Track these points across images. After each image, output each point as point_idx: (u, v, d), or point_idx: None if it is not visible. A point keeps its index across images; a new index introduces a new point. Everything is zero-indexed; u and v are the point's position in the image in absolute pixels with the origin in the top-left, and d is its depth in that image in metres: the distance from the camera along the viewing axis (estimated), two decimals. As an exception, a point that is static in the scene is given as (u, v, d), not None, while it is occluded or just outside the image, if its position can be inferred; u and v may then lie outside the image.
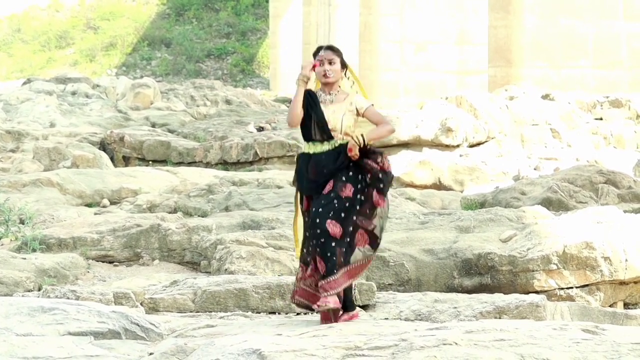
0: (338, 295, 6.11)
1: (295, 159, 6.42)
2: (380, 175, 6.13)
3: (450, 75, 26.93)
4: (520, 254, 9.15)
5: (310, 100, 6.23)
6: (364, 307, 7.82)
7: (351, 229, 6.09)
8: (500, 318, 7.35)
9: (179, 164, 18.76)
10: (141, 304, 8.07)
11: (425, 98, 22.46)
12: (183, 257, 10.90)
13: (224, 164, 18.74)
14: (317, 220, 6.02)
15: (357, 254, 6.12)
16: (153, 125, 22.67)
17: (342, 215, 6.05)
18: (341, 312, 6.27)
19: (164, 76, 39.01)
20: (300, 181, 6.23)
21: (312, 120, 6.18)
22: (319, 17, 33.28)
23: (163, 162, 19.06)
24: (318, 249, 6.04)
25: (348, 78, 6.35)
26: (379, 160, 6.14)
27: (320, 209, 6.04)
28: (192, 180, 15.36)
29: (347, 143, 6.14)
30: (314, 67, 6.21)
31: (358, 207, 6.11)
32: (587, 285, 9.11)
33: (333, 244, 6.02)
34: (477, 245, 9.39)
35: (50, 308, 6.32)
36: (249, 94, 28.39)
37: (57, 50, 41.87)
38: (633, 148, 17.62)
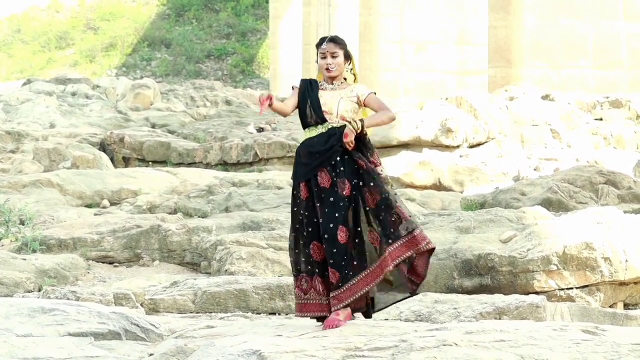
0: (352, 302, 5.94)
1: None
2: (370, 172, 5.98)
3: (450, 76, 26.93)
4: (520, 254, 9.15)
5: (309, 87, 6.11)
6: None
7: (359, 229, 5.95)
8: (500, 319, 7.35)
9: (179, 164, 18.77)
10: (141, 304, 8.07)
11: (425, 98, 22.46)
12: (183, 258, 10.90)
13: (224, 165, 18.74)
14: (330, 226, 5.88)
15: (372, 254, 5.95)
16: (153, 126, 22.67)
17: (349, 218, 5.93)
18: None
19: (163, 77, 39.01)
20: (295, 168, 6.07)
21: (307, 105, 6.05)
22: (319, 17, 33.27)
23: (163, 162, 19.07)
24: (331, 260, 5.88)
25: (351, 70, 6.21)
26: (371, 157, 6.03)
27: (329, 215, 5.89)
28: (192, 181, 15.36)
29: (341, 127, 6.00)
30: (268, 98, 6.02)
31: (361, 206, 5.97)
32: (587, 285, 9.11)
33: (344, 252, 5.89)
34: (477, 246, 9.39)
35: (50, 309, 6.32)
36: (249, 95, 28.39)
37: (57, 51, 41.87)
38: (633, 148, 17.62)
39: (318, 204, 5.96)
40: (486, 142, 17.50)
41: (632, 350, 5.10)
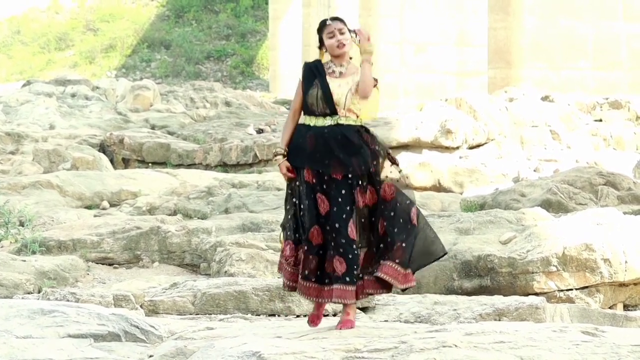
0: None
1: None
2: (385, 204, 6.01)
3: (450, 77, 26.93)
4: (519, 255, 9.15)
5: (315, 72, 6.01)
6: (364, 310, 7.82)
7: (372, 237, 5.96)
8: (499, 320, 7.35)
9: (179, 166, 18.76)
10: (141, 306, 8.07)
11: (425, 100, 22.46)
12: (183, 260, 10.90)
13: (224, 166, 18.74)
14: (343, 217, 5.84)
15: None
16: (153, 127, 22.66)
17: (362, 220, 5.94)
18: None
19: (163, 78, 39.00)
20: (295, 152, 5.96)
21: (316, 93, 5.95)
22: (319, 18, 33.27)
23: (163, 164, 19.06)
24: (340, 249, 5.84)
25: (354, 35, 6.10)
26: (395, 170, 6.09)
27: (342, 206, 5.86)
28: (191, 182, 15.36)
29: (351, 126, 5.93)
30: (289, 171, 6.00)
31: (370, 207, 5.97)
32: (586, 287, 9.11)
33: (354, 246, 5.88)
34: (477, 247, 9.39)
35: (50, 310, 6.32)
36: (249, 96, 28.39)
37: (57, 52, 41.87)
38: (633, 149, 17.62)
39: (327, 193, 5.90)
40: (486, 143, 17.50)
41: (631, 352, 5.10)
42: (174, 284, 8.62)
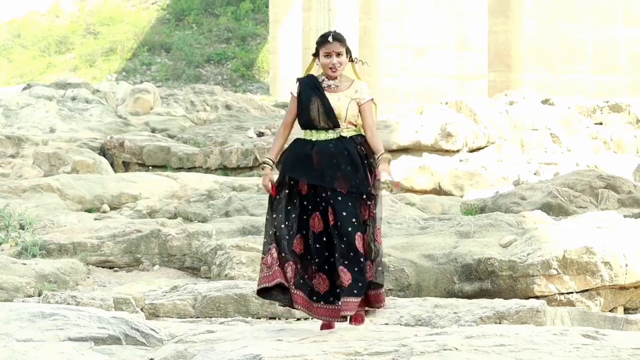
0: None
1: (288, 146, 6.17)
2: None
3: (450, 80, 26.94)
4: (520, 259, 9.15)
5: (313, 87, 6.05)
6: (364, 312, 7.81)
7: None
8: (500, 323, 7.35)
9: (179, 169, 18.77)
10: (141, 309, 8.07)
11: (425, 103, 22.45)
12: (183, 263, 10.90)
13: (224, 170, 18.75)
14: (349, 230, 5.86)
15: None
16: (153, 130, 22.67)
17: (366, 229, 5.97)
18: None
19: (163, 81, 39.02)
20: (293, 164, 5.98)
21: (317, 108, 6.00)
22: (319, 22, 33.28)
23: (163, 167, 19.06)
24: (345, 260, 5.86)
25: (353, 60, 6.18)
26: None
27: (348, 218, 5.88)
28: (192, 185, 15.36)
29: (354, 136, 5.99)
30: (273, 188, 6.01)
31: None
32: (587, 290, 9.11)
33: (361, 258, 5.89)
34: (477, 251, 9.40)
35: (50, 314, 6.32)
36: (249, 99, 28.40)
37: (57, 56, 41.88)
38: (633, 153, 17.63)
39: (331, 205, 5.91)
40: (486, 146, 17.51)
41: (632, 355, 5.10)
42: (175, 287, 8.62)
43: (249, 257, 9.77)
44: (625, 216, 10.57)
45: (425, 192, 15.25)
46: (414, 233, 10.20)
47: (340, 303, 5.89)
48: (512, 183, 15.45)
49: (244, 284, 8.50)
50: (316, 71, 6.20)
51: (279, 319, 8.15)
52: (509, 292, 9.00)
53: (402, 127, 17.43)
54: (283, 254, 6.01)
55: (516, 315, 7.45)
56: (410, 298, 8.27)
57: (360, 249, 5.89)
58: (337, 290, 5.92)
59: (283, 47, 36.95)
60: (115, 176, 16.11)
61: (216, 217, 12.93)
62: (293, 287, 5.99)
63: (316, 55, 6.12)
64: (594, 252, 9.08)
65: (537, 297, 8.84)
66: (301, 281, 5.99)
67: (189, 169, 18.82)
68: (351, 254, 5.87)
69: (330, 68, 6.06)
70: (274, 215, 6.04)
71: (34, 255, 10.54)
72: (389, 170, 5.95)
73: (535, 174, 15.92)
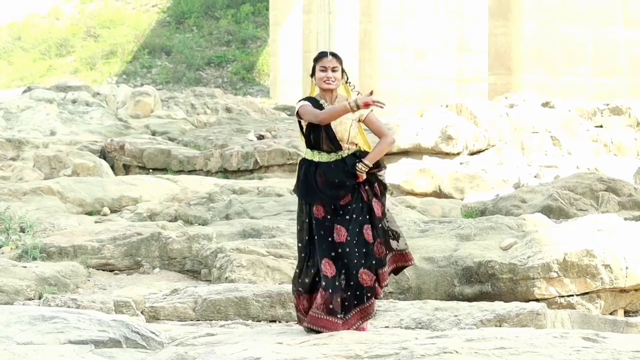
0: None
1: (297, 167, 6.38)
2: (382, 187, 6.28)
3: (450, 83, 26.94)
4: (520, 261, 9.15)
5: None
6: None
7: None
8: (500, 326, 7.35)
9: (180, 172, 18.76)
10: (142, 312, 8.07)
11: (425, 106, 22.47)
12: (183, 266, 10.90)
13: (225, 172, 18.75)
14: (353, 265, 6.09)
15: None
16: (153, 133, 22.67)
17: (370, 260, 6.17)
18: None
19: (164, 84, 39.02)
20: (306, 189, 6.22)
21: (321, 133, 6.18)
22: (319, 25, 33.30)
23: (163, 170, 19.06)
24: (349, 293, 6.10)
25: (348, 82, 6.35)
26: (382, 173, 6.26)
27: (359, 227, 6.13)
28: (192, 188, 15.36)
29: (353, 153, 6.19)
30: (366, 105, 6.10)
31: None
32: (587, 293, 9.11)
33: (369, 295, 6.14)
34: (478, 253, 9.40)
35: (50, 316, 6.32)
36: (249, 102, 28.41)
37: (58, 59, 41.89)
38: (633, 155, 17.63)
39: (339, 219, 6.14)
40: (486, 149, 17.51)
41: (632, 358, 5.10)
42: (175, 290, 8.62)
43: (249, 260, 9.77)
44: (625, 219, 10.57)
45: (425, 195, 15.25)
46: (414, 236, 10.20)
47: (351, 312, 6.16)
48: (513, 186, 15.46)
49: (244, 286, 8.50)
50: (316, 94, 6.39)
51: (279, 322, 8.15)
52: (509, 295, 9.00)
53: (403, 130, 17.43)
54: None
55: (516, 318, 7.45)
56: (410, 301, 8.27)
57: (366, 283, 6.12)
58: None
59: (283, 50, 36.96)
60: (115, 179, 16.11)
61: (216, 220, 12.93)
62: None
63: (313, 74, 6.30)
64: (594, 254, 9.08)
65: (537, 300, 8.84)
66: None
67: (190, 172, 18.82)
68: (357, 292, 6.13)
69: (325, 81, 6.22)
70: (299, 247, 6.31)
71: (34, 258, 10.54)
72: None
73: (535, 176, 15.93)
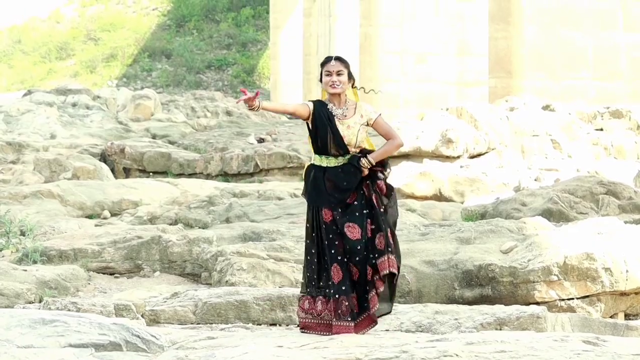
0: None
1: (303, 172, 6.48)
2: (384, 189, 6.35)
3: (451, 87, 26.94)
4: (520, 265, 9.15)
5: (325, 116, 6.29)
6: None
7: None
8: (501, 329, 7.35)
9: (180, 175, 18.77)
10: (142, 315, 8.07)
11: (426, 109, 22.45)
12: (184, 269, 10.90)
13: (225, 176, 18.75)
14: (365, 259, 6.20)
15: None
16: (153, 136, 22.68)
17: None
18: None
19: (164, 87, 39.03)
20: (316, 194, 6.28)
21: (329, 137, 6.25)
22: (320, 28, 33.30)
23: (164, 173, 19.07)
24: (358, 294, 6.23)
25: (354, 87, 6.41)
26: (386, 173, 6.34)
27: (364, 224, 6.22)
28: (192, 191, 15.36)
29: (357, 155, 6.28)
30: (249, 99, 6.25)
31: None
32: (587, 296, 9.11)
33: (373, 293, 6.25)
34: (478, 257, 9.39)
35: (51, 320, 6.32)
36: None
37: (58, 62, 41.91)
38: (634, 159, 17.62)
39: (349, 217, 6.22)
40: (487, 152, 17.50)
41: (633, 361, 5.10)
42: (175, 294, 8.62)
43: (249, 264, 9.77)
44: (625, 222, 10.57)
45: (425, 198, 15.25)
46: (414, 239, 10.20)
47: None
48: (513, 189, 15.46)
49: (245, 290, 8.50)
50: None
51: (280, 325, 8.14)
52: (509, 298, 9.00)
53: (403, 133, 17.41)
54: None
55: (517, 321, 7.45)
56: (410, 304, 8.27)
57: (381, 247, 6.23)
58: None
59: (284, 53, 36.95)
60: (115, 182, 16.11)
61: (217, 223, 12.93)
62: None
63: (321, 79, 6.37)
64: (594, 258, 9.08)
65: (537, 303, 8.83)
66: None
67: (190, 175, 18.83)
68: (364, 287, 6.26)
69: (330, 85, 6.29)
70: (306, 249, 6.40)
71: (34, 262, 10.54)
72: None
73: (535, 180, 15.93)
